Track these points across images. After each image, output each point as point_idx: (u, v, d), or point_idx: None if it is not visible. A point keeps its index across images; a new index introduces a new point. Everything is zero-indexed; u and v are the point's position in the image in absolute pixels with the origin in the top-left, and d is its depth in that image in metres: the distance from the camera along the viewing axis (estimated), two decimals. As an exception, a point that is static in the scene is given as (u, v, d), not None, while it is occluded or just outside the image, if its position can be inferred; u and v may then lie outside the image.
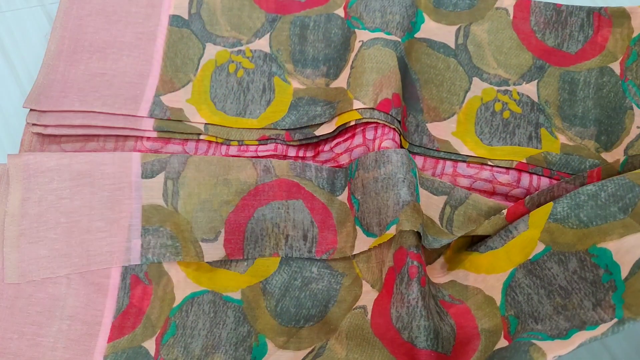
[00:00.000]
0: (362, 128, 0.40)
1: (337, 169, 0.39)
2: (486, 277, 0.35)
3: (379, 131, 0.39)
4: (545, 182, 0.40)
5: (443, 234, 0.37)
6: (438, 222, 0.38)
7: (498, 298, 0.34)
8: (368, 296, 0.36)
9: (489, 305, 0.34)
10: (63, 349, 0.34)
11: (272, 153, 0.40)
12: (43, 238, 0.36)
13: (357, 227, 0.37)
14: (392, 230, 0.34)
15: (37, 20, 0.46)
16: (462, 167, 0.41)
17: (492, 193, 0.40)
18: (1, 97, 0.43)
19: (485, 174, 0.40)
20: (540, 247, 0.33)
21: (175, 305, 0.36)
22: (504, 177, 0.40)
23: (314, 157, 0.41)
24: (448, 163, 0.41)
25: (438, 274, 0.37)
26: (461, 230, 0.38)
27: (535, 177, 0.40)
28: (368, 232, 0.36)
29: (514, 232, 0.35)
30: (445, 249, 0.38)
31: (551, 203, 0.33)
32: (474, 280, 0.35)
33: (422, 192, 0.38)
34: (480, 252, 0.36)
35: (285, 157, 0.41)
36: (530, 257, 0.33)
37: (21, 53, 0.45)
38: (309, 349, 0.35)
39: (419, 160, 0.41)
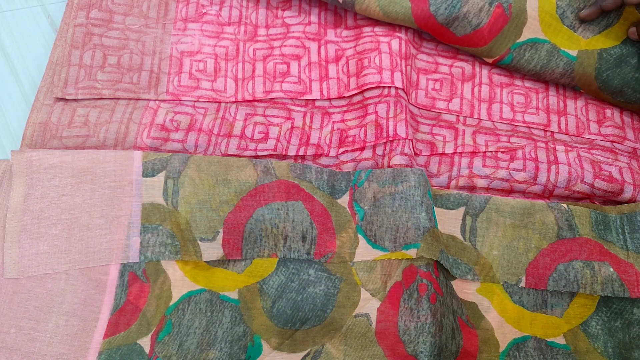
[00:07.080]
0: (372, 143, 0.41)
1: (337, 171, 0.39)
2: (504, 323, 0.37)
3: (388, 147, 0.40)
4: (563, 177, 0.40)
5: (465, 250, 0.38)
6: (460, 236, 0.39)
7: (503, 347, 0.36)
8: (369, 304, 0.36)
9: (492, 346, 0.36)
10: (59, 344, 0.34)
11: (272, 152, 0.40)
12: (44, 234, 0.36)
13: (360, 236, 0.37)
14: (411, 252, 0.36)
15: (37, 20, 0.46)
16: (477, 167, 0.41)
17: (509, 191, 0.41)
18: (1, 97, 0.43)
19: (502, 172, 0.40)
20: (561, 340, 0.37)
21: (171, 303, 0.36)
22: (521, 175, 0.40)
23: (314, 156, 0.41)
24: (463, 164, 0.41)
25: (466, 289, 0.38)
26: (486, 238, 0.39)
27: (552, 173, 0.40)
28: (375, 245, 0.37)
29: (547, 309, 0.37)
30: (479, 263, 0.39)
31: (589, 310, 0.37)
32: (493, 317, 0.37)
33: (438, 211, 0.39)
34: (512, 300, 0.38)
35: (285, 157, 0.41)
36: (548, 340, 0.37)
37: (21, 53, 0.45)
38: (304, 352, 0.35)
39: (433, 164, 0.41)
